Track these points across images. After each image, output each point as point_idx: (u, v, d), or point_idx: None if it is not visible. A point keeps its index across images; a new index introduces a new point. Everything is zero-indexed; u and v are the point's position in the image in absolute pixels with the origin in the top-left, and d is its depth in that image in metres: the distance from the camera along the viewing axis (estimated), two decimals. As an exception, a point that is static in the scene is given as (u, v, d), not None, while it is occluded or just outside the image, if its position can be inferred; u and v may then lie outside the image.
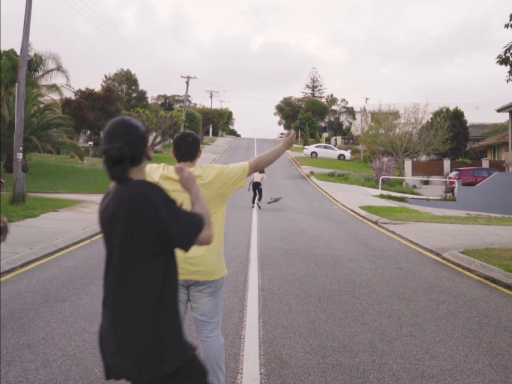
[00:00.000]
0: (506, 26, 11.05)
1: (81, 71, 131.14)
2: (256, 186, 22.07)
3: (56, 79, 36.33)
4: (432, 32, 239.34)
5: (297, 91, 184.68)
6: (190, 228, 2.42)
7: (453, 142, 44.70)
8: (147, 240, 2.38)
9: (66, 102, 45.83)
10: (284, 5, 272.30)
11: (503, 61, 11.10)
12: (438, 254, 11.51)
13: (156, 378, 2.39)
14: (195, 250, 3.75)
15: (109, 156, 2.40)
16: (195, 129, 66.06)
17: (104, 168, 2.47)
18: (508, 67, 11.12)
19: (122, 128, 2.47)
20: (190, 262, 3.73)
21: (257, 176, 22.08)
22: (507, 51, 11.04)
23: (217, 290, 3.86)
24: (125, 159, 2.40)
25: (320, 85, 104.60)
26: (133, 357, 2.36)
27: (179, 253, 2.93)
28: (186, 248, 2.46)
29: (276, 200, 21.88)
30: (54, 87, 36.72)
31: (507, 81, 11.33)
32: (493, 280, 8.87)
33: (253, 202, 22.09)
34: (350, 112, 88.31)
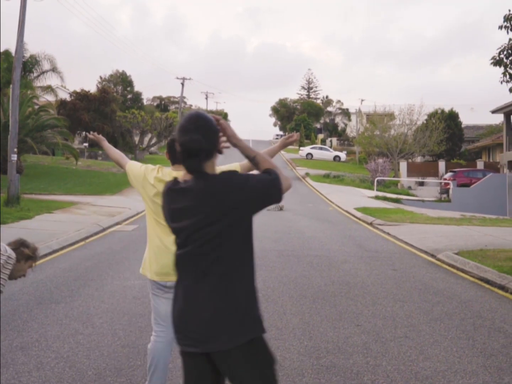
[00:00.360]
0: (500, 27, 11.08)
1: (76, 72, 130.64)
2: None
3: (51, 80, 36.27)
4: (427, 34, 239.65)
5: (293, 93, 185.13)
6: (273, 185, 2.57)
7: (448, 143, 44.79)
8: (240, 220, 2.56)
9: (61, 103, 45.79)
10: (279, 6, 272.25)
11: (497, 62, 11.11)
12: (432, 255, 11.53)
13: (237, 348, 2.51)
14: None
15: (186, 148, 2.53)
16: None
17: (180, 159, 2.60)
18: (502, 68, 11.14)
19: (199, 121, 2.56)
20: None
21: None
22: (501, 53, 11.06)
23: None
24: (202, 151, 2.53)
25: (316, 87, 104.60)
26: (228, 325, 2.50)
27: (170, 255, 3.24)
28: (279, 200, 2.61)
29: (280, 208, 21.84)
30: (49, 89, 36.64)
31: (501, 83, 11.35)
32: (487, 281, 8.88)
33: None
34: (346, 113, 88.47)
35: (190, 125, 2.55)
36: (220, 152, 2.64)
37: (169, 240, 3.78)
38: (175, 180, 2.67)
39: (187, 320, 2.57)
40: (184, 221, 2.58)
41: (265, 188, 2.55)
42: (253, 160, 2.69)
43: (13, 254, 3.84)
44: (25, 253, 3.94)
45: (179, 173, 3.78)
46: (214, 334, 2.50)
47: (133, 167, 4.01)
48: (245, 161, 3.97)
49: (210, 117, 2.60)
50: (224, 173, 2.55)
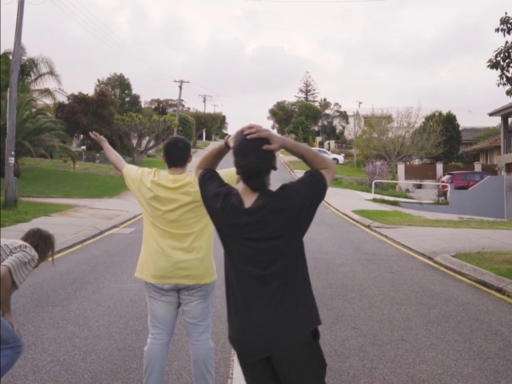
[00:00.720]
0: (497, 30, 11.10)
1: (75, 76, 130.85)
2: None
3: (49, 83, 36.29)
4: (425, 36, 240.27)
5: (291, 95, 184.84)
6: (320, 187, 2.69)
7: (446, 146, 44.88)
8: (302, 232, 2.70)
9: (59, 107, 45.73)
10: (277, 9, 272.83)
11: (494, 65, 11.13)
12: (430, 258, 11.53)
13: (297, 351, 2.61)
14: (185, 254, 3.77)
15: (245, 170, 2.64)
16: (188, 134, 66.04)
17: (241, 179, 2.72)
18: (499, 71, 11.16)
19: (255, 143, 2.62)
20: (181, 266, 3.74)
21: None
22: (498, 55, 11.08)
23: (208, 294, 3.87)
24: (261, 172, 2.64)
25: (313, 89, 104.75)
26: (289, 330, 2.60)
27: (169, 258, 3.57)
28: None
29: None
30: (47, 92, 36.64)
31: (498, 85, 11.37)
32: (485, 284, 8.89)
33: None
34: (343, 116, 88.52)
35: (247, 147, 2.63)
36: (275, 169, 2.75)
37: (165, 243, 3.78)
38: (237, 196, 2.71)
39: (249, 328, 2.65)
40: (248, 235, 2.65)
41: (315, 192, 2.66)
42: (302, 157, 2.77)
43: (36, 256, 4.12)
44: (44, 250, 4.30)
45: (176, 177, 3.78)
46: (276, 339, 2.59)
47: (129, 170, 4.01)
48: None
49: (263, 136, 2.65)
50: (283, 190, 2.66)
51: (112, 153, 4.25)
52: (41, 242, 4.29)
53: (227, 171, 3.86)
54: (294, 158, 55.00)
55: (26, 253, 4.06)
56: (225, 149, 2.88)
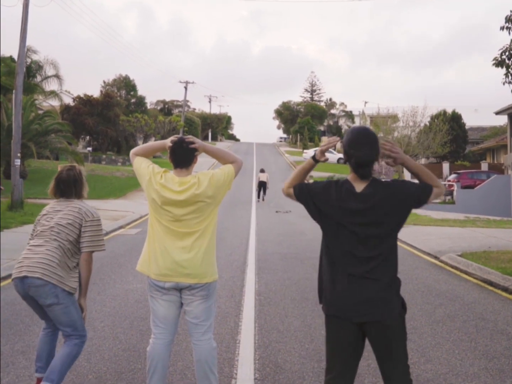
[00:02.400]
0: (502, 28, 11.05)
1: (81, 78, 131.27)
2: (262, 184, 26.77)
3: (54, 85, 36.40)
4: (431, 36, 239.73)
5: (297, 96, 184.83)
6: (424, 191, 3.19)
7: (452, 145, 44.69)
8: (403, 218, 3.19)
9: (65, 108, 45.91)
10: (284, 10, 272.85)
11: (499, 63, 11.08)
12: (436, 257, 11.50)
13: (393, 320, 3.11)
14: (186, 253, 3.77)
15: (360, 161, 3.08)
16: (194, 134, 66.07)
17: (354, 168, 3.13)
18: (504, 69, 11.11)
19: (371, 137, 3.12)
20: (182, 265, 3.74)
21: (262, 176, 26.95)
22: (503, 54, 11.03)
23: (209, 293, 3.86)
24: (371, 162, 3.11)
25: (319, 89, 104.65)
26: (387, 301, 3.08)
27: (171, 256, 3.73)
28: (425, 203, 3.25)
29: (286, 211, 22.04)
30: (53, 94, 36.75)
31: (504, 84, 11.32)
32: (491, 283, 8.85)
33: (258, 197, 26.94)
34: (349, 115, 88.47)
35: (362, 140, 3.09)
36: (377, 160, 3.17)
37: (168, 241, 3.77)
38: (348, 183, 3.16)
39: (352, 296, 3.07)
40: (358, 219, 3.07)
41: (418, 193, 3.16)
42: (416, 175, 3.26)
43: (95, 214, 4.35)
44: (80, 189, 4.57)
45: (182, 179, 3.77)
46: (376, 308, 3.05)
47: (141, 164, 3.94)
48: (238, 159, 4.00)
49: (374, 132, 3.17)
50: (393, 181, 3.20)
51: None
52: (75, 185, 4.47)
53: (224, 168, 3.89)
54: (300, 159, 54.45)
55: (93, 224, 4.24)
56: (313, 164, 3.37)
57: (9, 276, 8.79)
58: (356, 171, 3.12)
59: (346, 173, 44.26)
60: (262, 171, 27.96)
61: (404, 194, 3.10)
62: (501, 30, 11.13)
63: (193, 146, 3.85)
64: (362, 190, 3.10)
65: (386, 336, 3.10)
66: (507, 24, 11.03)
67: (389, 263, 3.12)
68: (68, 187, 4.42)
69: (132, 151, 4.08)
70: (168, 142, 3.91)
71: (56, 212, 4.34)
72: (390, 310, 3.08)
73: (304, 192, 3.30)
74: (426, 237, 14.52)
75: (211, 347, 3.87)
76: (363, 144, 3.07)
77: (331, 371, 3.19)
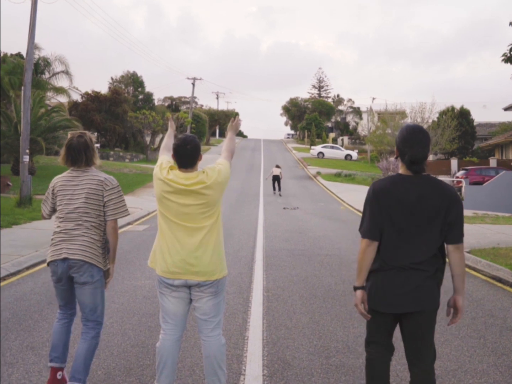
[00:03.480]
0: (511, 23, 10.98)
1: (90, 74, 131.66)
2: (276, 179, 27.88)
3: (63, 81, 36.49)
4: (440, 32, 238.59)
5: (304, 92, 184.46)
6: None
7: (460, 141, 44.52)
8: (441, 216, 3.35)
9: (74, 105, 46.04)
10: (293, 5, 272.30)
11: (508, 59, 11.02)
12: (444, 254, 11.43)
13: (430, 311, 3.55)
14: (195, 251, 3.77)
15: (413, 159, 3.29)
16: (201, 130, 66.13)
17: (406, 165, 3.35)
18: (513, 65, 11.04)
19: (424, 135, 3.32)
20: (191, 262, 3.74)
21: (275, 171, 28.03)
22: (512, 49, 10.97)
23: (219, 290, 3.86)
24: (424, 159, 3.31)
25: (327, 85, 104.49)
26: (427, 294, 3.51)
27: (179, 254, 3.77)
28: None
29: (294, 208, 22.12)
30: (61, 90, 36.84)
31: (513, 79, 11.26)
32: (500, 280, 8.81)
33: (274, 189, 28.13)
34: (357, 112, 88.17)
35: (417, 139, 3.29)
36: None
37: (176, 238, 3.77)
38: (403, 176, 3.37)
39: (396, 289, 3.41)
40: (408, 212, 3.33)
41: (457, 210, 3.39)
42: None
43: (114, 181, 4.57)
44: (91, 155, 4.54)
45: (188, 175, 3.77)
46: (417, 300, 3.42)
47: (157, 167, 4.00)
48: (228, 154, 4.16)
49: (427, 131, 3.37)
50: (441, 180, 3.40)
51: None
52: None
53: (225, 165, 3.94)
54: (307, 155, 54.43)
55: (114, 191, 4.44)
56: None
57: (17, 272, 8.85)
58: (410, 167, 3.32)
59: (354, 169, 43.75)
60: (277, 166, 28.93)
61: (448, 202, 3.33)
62: (511, 26, 11.06)
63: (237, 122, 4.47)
64: (417, 186, 3.34)
65: (423, 325, 3.54)
66: (516, 19, 10.95)
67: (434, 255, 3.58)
68: (79, 154, 4.30)
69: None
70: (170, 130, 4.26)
71: (73, 187, 4.30)
72: (435, 302, 3.57)
73: (380, 226, 3.50)
74: (435, 233, 14.44)
75: (220, 343, 3.88)
76: (416, 142, 3.28)
77: (373, 342, 3.60)
